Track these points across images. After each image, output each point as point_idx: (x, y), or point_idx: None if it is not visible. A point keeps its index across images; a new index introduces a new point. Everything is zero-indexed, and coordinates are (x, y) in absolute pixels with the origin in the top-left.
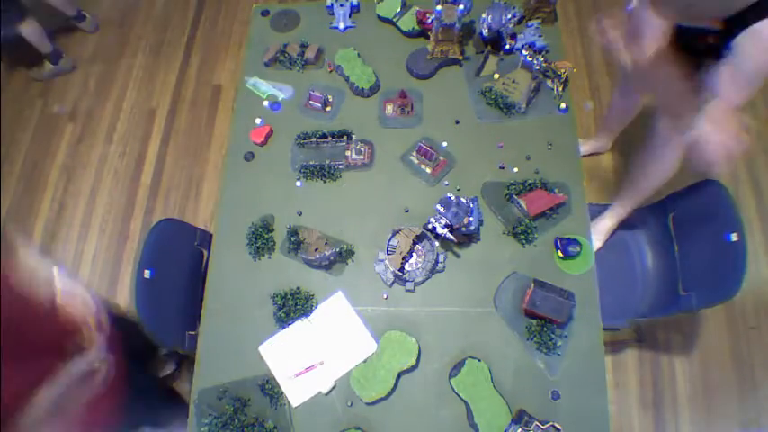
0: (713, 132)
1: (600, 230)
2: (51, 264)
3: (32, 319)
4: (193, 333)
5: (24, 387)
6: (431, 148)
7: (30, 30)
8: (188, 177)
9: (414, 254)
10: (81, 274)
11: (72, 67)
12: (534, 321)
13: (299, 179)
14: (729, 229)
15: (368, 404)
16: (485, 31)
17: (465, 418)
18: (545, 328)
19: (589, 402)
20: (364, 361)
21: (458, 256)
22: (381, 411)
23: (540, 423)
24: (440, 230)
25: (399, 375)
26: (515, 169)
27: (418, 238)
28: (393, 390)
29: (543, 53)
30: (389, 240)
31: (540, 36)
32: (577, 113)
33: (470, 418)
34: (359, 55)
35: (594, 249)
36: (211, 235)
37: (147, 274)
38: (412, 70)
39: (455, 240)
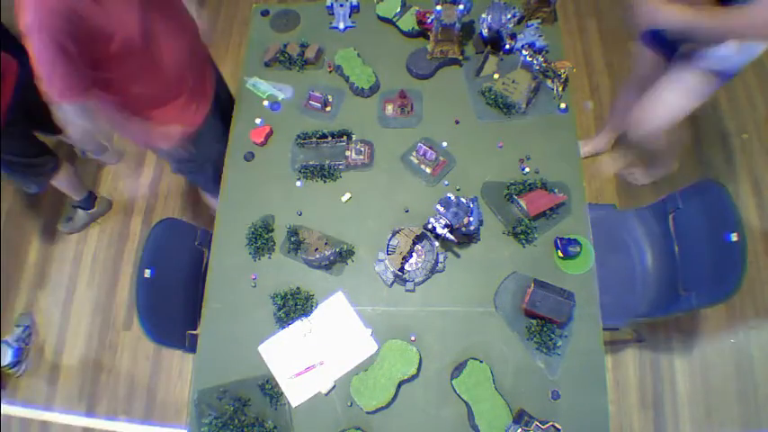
0: None
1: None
2: None
3: None
4: (194, 332)
5: None
6: (431, 148)
7: (64, 176)
8: None
9: (414, 254)
10: (81, 273)
11: (109, 205)
12: (534, 321)
13: (299, 179)
14: (729, 229)
15: (368, 413)
16: (485, 31)
17: (466, 420)
18: (545, 328)
19: (589, 402)
20: (365, 370)
21: (458, 256)
22: (382, 411)
23: (540, 423)
24: (440, 230)
25: (400, 385)
26: (527, 169)
27: (418, 238)
28: (393, 399)
29: (543, 53)
30: (389, 240)
31: (540, 36)
32: (577, 113)
33: (471, 420)
34: (359, 55)
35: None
36: (212, 235)
37: (147, 273)
38: (412, 70)
39: (455, 240)
